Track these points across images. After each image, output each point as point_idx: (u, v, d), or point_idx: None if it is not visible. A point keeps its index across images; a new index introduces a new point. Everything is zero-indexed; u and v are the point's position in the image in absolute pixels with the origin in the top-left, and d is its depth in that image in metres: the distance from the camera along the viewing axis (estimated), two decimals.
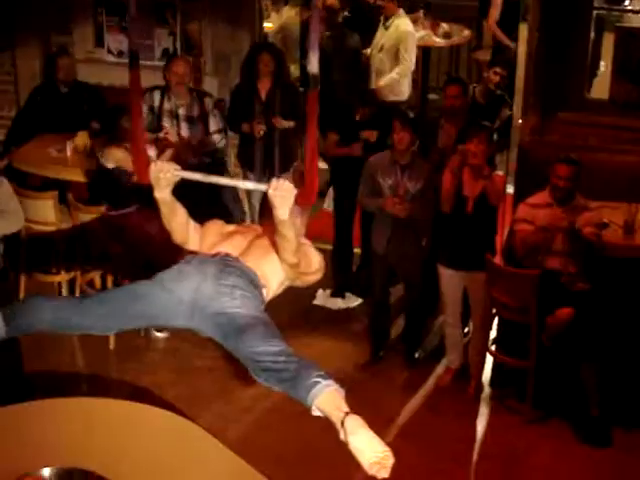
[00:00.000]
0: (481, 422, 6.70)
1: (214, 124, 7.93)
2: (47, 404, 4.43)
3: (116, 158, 6.87)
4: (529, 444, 6.40)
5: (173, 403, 5.87)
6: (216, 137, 7.96)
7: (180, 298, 3.64)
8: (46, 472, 3.96)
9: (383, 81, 9.49)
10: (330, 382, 3.21)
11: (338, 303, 8.02)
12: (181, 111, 7.86)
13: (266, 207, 3.72)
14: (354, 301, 8.04)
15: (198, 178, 3.80)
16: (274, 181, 3.52)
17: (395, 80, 9.47)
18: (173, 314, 3.67)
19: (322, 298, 8.02)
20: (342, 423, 3.12)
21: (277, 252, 3.78)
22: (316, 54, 3.45)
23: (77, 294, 7.22)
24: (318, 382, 3.19)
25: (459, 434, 6.50)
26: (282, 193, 3.49)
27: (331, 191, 8.29)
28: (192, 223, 3.96)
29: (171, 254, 4.06)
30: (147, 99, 7.89)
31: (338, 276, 8.05)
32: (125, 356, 7.14)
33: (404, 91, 9.67)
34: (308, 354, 7.13)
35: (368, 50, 9.80)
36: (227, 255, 3.79)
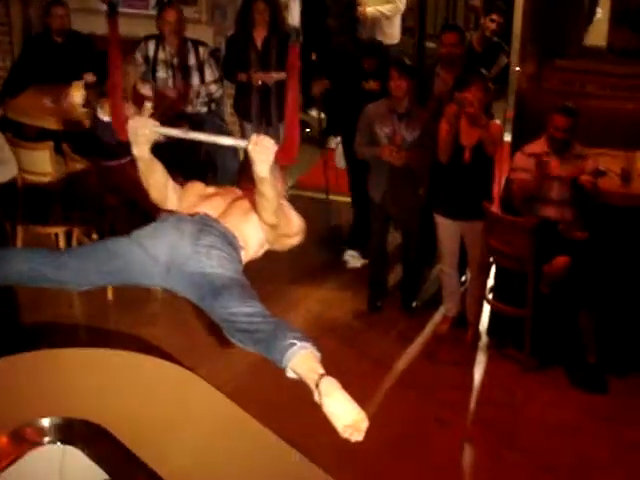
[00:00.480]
0: (479, 370, 6.72)
1: (210, 74, 7.89)
2: (46, 355, 4.44)
3: None
4: (527, 392, 6.43)
5: (171, 354, 5.89)
6: (212, 87, 7.92)
7: (156, 256, 3.55)
8: (46, 422, 3.97)
9: (369, 8, 9.43)
10: (306, 344, 3.10)
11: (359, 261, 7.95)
12: (176, 61, 7.81)
13: (247, 166, 3.60)
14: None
15: (178, 134, 3.70)
16: (254, 136, 3.44)
17: (382, 15, 9.41)
18: (149, 272, 3.59)
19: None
20: (317, 385, 3.02)
21: (257, 212, 3.69)
22: (297, 4, 3.37)
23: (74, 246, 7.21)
24: (293, 344, 3.09)
25: (457, 382, 6.53)
26: (262, 149, 3.40)
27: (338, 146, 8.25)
28: (171, 183, 3.86)
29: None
30: (142, 49, 7.87)
31: (358, 230, 7.94)
32: (124, 307, 7.15)
33: (394, 34, 9.66)
34: (307, 304, 7.21)
35: None
36: (206, 215, 3.72)
